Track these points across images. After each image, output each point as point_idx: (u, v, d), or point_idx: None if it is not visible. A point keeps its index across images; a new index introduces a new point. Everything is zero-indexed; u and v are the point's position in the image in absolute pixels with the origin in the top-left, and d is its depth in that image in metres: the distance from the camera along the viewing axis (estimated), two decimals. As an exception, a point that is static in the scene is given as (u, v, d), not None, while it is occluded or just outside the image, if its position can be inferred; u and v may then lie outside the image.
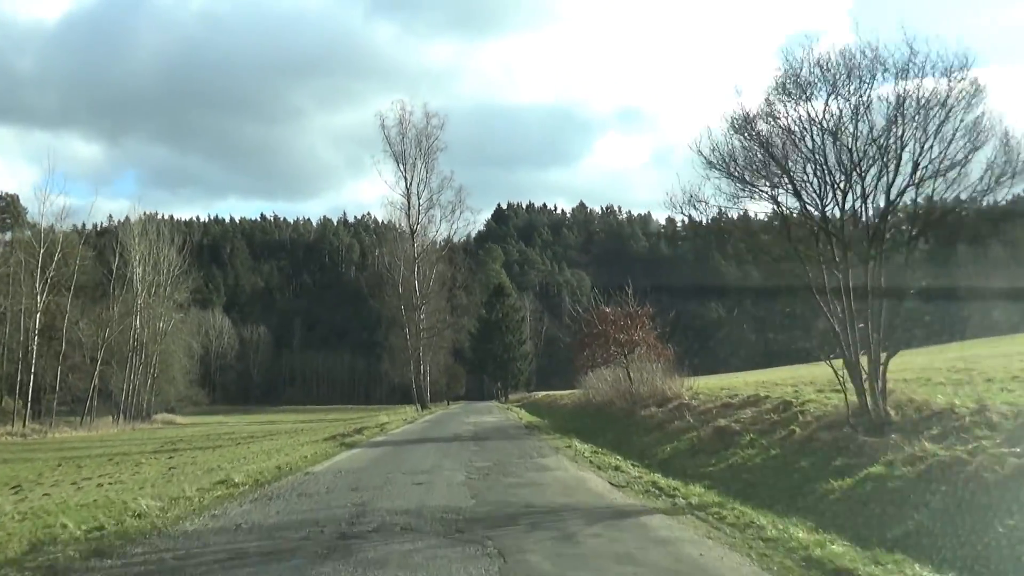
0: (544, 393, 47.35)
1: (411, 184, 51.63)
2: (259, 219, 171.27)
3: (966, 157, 8.89)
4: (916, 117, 8.99)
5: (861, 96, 9.40)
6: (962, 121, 8.77)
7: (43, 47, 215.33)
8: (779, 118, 10.21)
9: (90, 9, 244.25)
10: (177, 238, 68.66)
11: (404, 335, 47.77)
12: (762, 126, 10.57)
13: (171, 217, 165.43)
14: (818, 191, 10.22)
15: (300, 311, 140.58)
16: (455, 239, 54.59)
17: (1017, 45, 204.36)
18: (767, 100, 10.25)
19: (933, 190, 9.26)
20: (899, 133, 9.20)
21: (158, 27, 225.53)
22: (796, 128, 10.10)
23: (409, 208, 51.16)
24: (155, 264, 62.46)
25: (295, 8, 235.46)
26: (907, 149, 9.20)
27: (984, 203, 9.35)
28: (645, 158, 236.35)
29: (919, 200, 9.40)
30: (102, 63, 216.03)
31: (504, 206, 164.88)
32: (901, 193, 9.40)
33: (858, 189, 9.77)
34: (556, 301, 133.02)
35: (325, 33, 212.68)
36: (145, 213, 65.64)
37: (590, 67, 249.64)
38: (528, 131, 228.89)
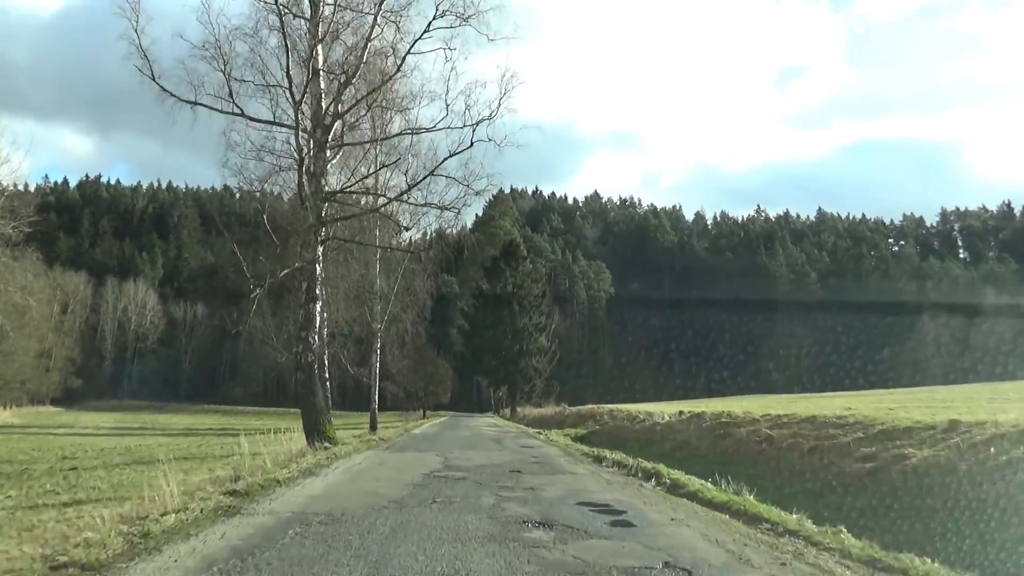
0: (676, 406, 22.05)
1: None
2: (222, 188, 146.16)
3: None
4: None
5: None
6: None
7: (37, 37, 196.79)
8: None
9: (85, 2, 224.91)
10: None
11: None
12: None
13: (118, 181, 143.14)
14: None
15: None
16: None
17: (987, 87, 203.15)
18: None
19: None
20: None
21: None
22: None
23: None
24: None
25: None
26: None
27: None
28: (636, 179, 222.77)
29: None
30: (94, 55, 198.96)
31: (507, 189, 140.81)
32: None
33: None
34: (568, 296, 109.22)
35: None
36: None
37: (584, 86, 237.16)
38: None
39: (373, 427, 25.88)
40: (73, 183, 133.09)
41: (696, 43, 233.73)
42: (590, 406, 29.78)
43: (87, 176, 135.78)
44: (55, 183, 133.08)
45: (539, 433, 22.25)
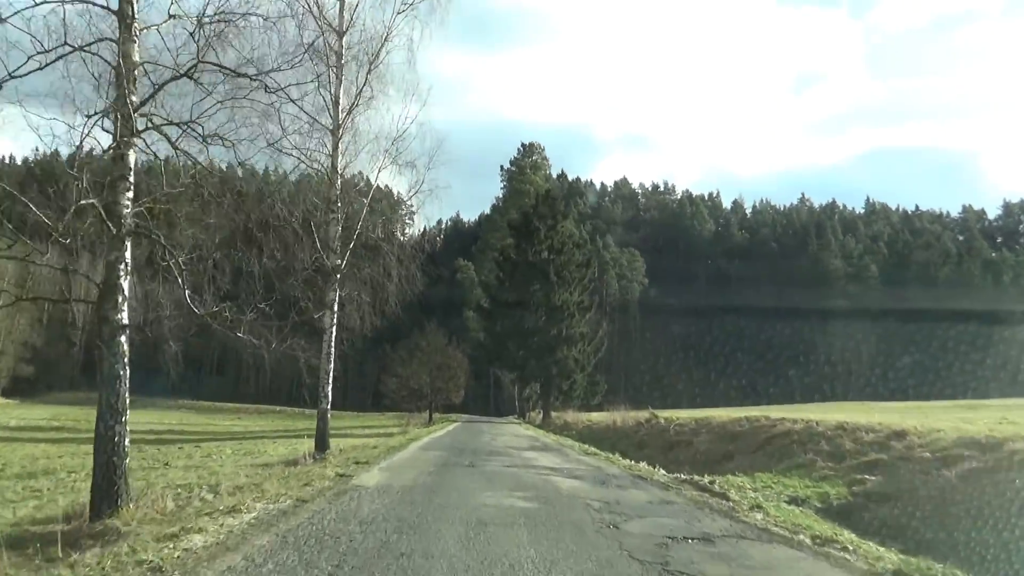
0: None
1: None
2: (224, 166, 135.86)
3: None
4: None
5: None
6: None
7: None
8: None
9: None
10: None
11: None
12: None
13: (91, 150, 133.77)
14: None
15: (249, 277, 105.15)
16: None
17: (1006, 96, 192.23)
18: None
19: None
20: None
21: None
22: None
23: None
24: None
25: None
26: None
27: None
28: (649, 184, 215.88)
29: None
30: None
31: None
32: None
33: None
34: (596, 285, 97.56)
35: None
36: None
37: (597, 90, 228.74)
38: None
39: (321, 445, 13.95)
40: (65, 157, 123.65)
41: (712, 49, 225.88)
42: (739, 414, 16.49)
43: (79, 149, 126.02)
44: (44, 154, 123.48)
45: (692, 486, 8.83)
